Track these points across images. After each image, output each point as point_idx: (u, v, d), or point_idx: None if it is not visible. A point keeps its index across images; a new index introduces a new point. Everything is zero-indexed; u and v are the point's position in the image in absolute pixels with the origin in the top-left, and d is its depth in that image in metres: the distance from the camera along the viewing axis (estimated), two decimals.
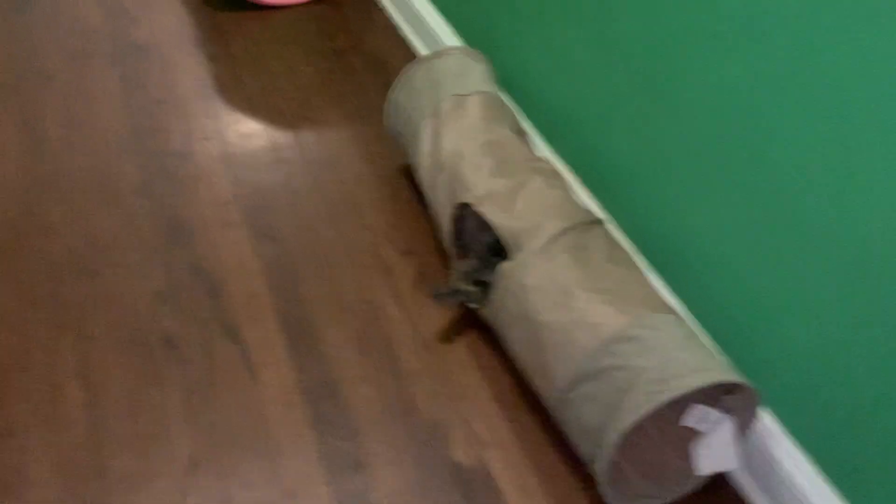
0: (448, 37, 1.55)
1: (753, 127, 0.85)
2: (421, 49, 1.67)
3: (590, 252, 1.00)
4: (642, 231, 1.11)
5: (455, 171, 1.13)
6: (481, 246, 1.13)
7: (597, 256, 0.99)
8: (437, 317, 1.15)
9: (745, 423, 0.91)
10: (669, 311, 0.92)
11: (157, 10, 1.75)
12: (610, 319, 0.90)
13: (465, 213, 1.15)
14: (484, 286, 1.09)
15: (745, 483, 0.97)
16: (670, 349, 0.87)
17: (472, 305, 1.10)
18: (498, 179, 1.09)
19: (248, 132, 1.44)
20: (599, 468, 0.87)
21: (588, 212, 1.05)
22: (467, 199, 1.10)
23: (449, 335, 1.12)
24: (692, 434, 0.94)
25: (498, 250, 1.12)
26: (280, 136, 1.44)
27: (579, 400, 0.90)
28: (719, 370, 0.85)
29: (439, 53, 1.27)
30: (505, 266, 1.02)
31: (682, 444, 0.96)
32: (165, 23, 1.71)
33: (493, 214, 1.06)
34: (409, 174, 1.39)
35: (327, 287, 1.17)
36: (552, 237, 1.00)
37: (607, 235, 1.04)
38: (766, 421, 0.92)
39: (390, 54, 1.72)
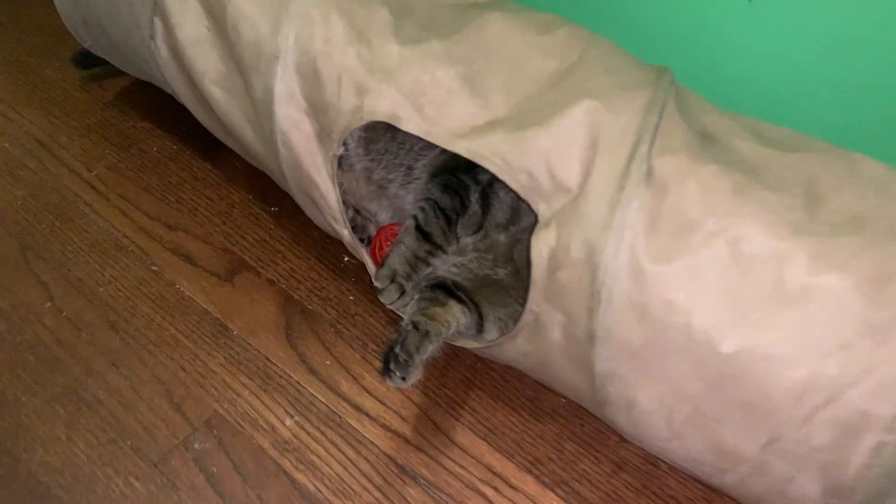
0: None
1: None
2: None
3: (727, 139, 0.42)
4: None
5: (308, 63, 0.48)
6: (433, 207, 0.50)
7: (745, 143, 0.42)
8: (405, 406, 0.52)
9: None
10: None
11: None
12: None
13: (345, 153, 0.51)
14: (455, 290, 0.48)
15: None
16: None
17: (463, 343, 0.49)
18: (421, 46, 0.46)
19: None
20: None
21: (641, 62, 0.47)
22: (373, 115, 0.46)
23: (457, 441, 0.50)
24: None
25: (456, 209, 0.51)
26: None
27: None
28: None
29: None
30: (545, 236, 0.41)
31: None
32: None
33: (445, 135, 0.44)
34: (148, 108, 0.69)
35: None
36: (637, 133, 0.40)
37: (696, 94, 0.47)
38: None
39: None
